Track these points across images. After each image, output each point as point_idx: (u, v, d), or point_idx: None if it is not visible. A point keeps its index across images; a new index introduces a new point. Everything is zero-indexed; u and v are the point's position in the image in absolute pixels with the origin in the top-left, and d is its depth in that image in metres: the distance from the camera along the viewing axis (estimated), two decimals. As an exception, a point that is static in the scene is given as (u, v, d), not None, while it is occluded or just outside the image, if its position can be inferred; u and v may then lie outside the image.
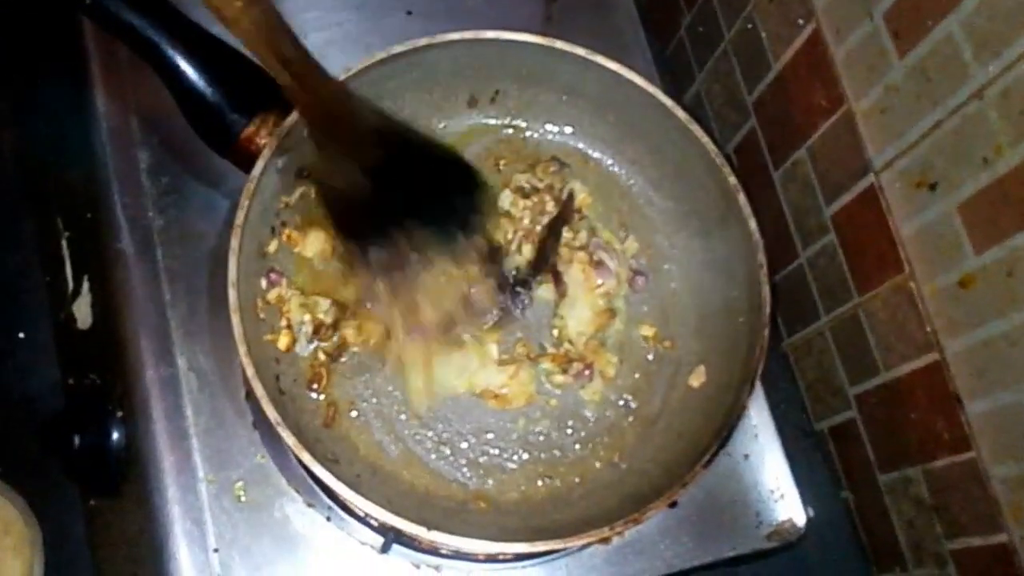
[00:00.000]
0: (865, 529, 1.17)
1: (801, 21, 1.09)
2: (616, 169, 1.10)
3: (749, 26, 1.19)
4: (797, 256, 1.18)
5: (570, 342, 1.04)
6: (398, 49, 0.97)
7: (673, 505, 0.88)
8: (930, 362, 1.00)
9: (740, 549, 1.04)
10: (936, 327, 0.98)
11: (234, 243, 0.90)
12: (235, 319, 0.87)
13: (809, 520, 1.08)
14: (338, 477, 0.85)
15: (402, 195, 0.87)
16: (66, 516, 1.12)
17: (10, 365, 1.20)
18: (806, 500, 1.08)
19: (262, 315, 0.97)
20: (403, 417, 0.99)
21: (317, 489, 0.99)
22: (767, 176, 1.20)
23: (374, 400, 1.00)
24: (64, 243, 1.16)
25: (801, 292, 1.19)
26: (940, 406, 0.99)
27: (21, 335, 1.21)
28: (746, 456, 1.07)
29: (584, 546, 1.01)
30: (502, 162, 1.09)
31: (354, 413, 0.99)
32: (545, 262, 1.05)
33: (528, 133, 1.10)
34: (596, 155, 1.10)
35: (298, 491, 1.00)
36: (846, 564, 1.17)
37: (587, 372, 1.03)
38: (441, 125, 1.08)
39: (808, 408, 1.23)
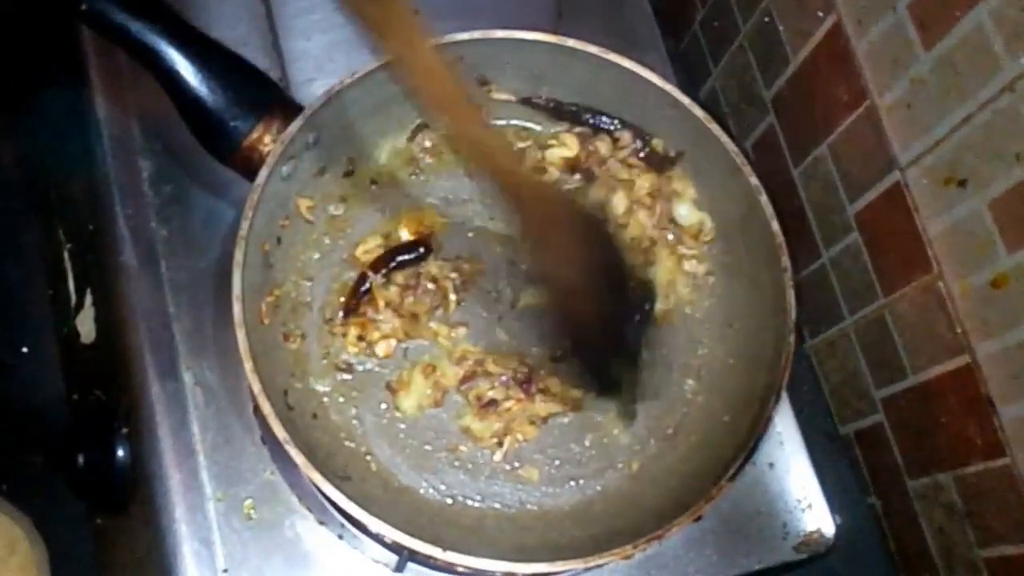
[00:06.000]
0: (894, 536, 1.14)
1: (821, 13, 1.06)
2: (630, 169, 1.07)
3: (766, 19, 1.16)
4: (819, 255, 1.15)
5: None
6: (404, 51, 0.93)
7: (698, 519, 0.85)
8: (961, 365, 0.97)
9: (767, 562, 1.01)
10: (967, 328, 0.95)
11: (238, 255, 0.87)
12: (240, 334, 0.85)
13: (836, 527, 1.05)
14: (349, 496, 0.83)
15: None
16: (72, 535, 1.10)
17: (14, 379, 1.18)
18: (832, 507, 1.05)
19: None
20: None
21: (329, 507, 0.96)
22: (787, 173, 1.17)
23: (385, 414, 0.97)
24: (66, 255, 1.14)
25: (824, 292, 1.16)
26: (972, 410, 0.96)
27: (25, 349, 1.19)
28: (771, 465, 1.04)
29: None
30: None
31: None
32: None
33: (540, 133, 1.06)
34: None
35: (309, 509, 0.97)
36: (875, 572, 1.14)
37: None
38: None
39: (832, 411, 1.20)
